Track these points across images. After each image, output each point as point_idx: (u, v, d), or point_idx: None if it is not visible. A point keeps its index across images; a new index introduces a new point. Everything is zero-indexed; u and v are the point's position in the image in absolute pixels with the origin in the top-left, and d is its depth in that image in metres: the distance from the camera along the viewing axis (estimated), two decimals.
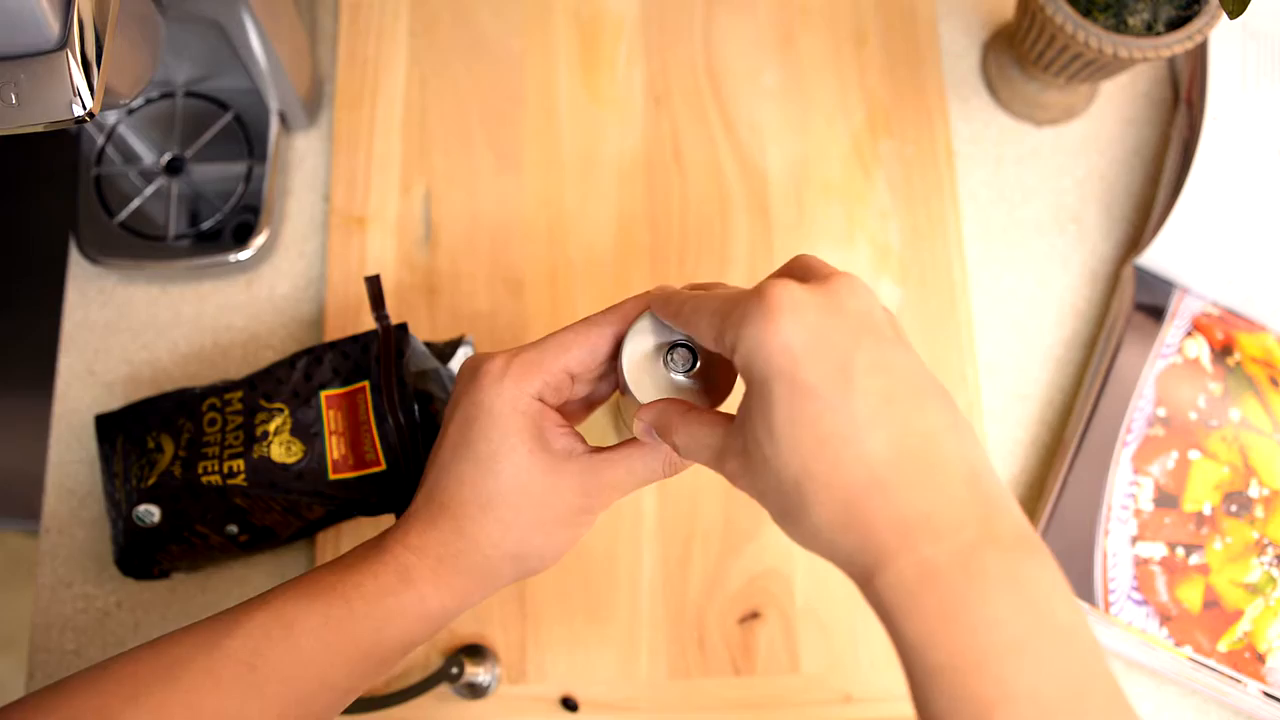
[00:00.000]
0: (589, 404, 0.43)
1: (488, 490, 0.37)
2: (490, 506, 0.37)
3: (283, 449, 0.48)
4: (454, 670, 0.50)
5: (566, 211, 0.59)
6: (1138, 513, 0.53)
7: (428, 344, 0.50)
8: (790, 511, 0.31)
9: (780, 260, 0.58)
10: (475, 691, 0.51)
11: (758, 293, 0.32)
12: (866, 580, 0.30)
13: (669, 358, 0.39)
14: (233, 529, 0.50)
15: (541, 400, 0.38)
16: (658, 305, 0.37)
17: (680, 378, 0.39)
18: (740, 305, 0.32)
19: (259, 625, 0.35)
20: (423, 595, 0.37)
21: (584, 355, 0.39)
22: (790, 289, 0.31)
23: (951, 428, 0.31)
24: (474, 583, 0.38)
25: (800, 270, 0.35)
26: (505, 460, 0.37)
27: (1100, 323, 0.59)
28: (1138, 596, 0.52)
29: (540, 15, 0.63)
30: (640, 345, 0.39)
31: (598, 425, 0.51)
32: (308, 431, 0.48)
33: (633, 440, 0.39)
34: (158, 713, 0.33)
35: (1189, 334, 0.56)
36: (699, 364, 0.39)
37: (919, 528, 0.29)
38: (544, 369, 0.38)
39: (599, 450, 0.39)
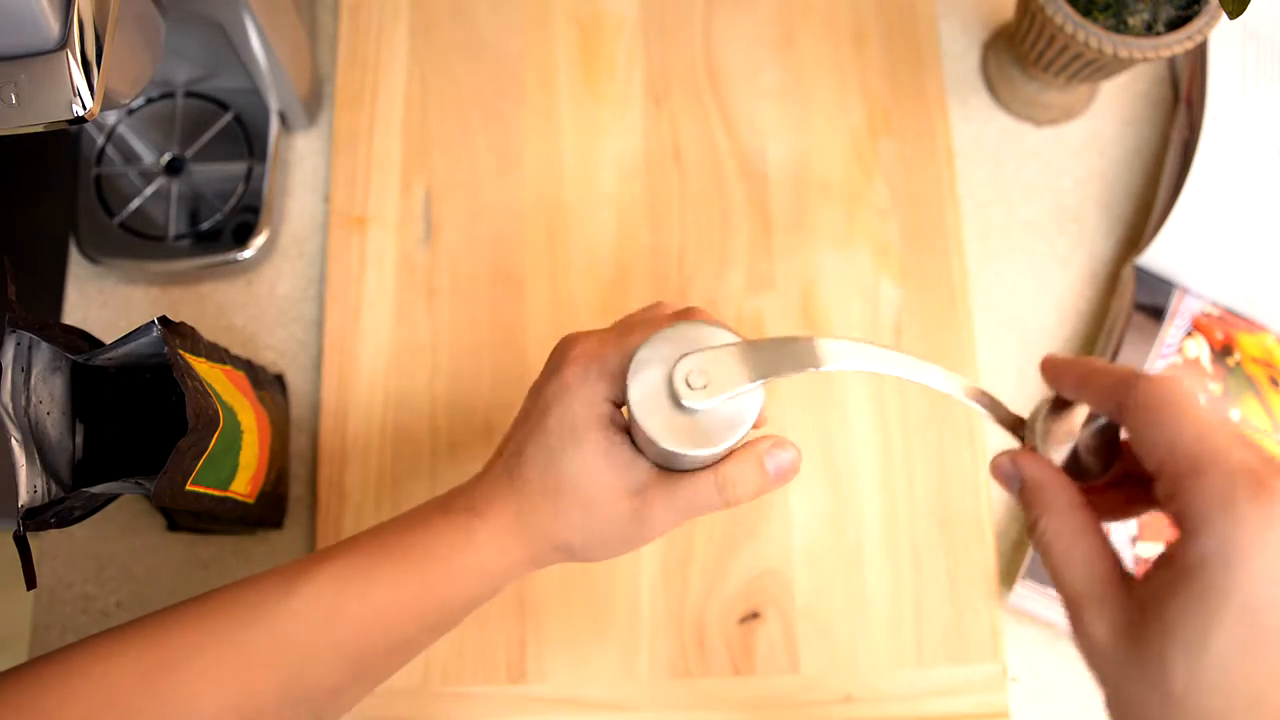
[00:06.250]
0: None
1: (551, 480, 0.38)
2: (550, 495, 0.38)
3: None
4: None
5: (566, 211, 0.59)
6: None
7: None
8: None
9: (779, 260, 0.58)
10: None
11: (1258, 476, 0.27)
12: None
13: (684, 381, 0.35)
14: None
15: (615, 404, 0.38)
16: (1049, 368, 0.35)
17: (695, 404, 0.35)
18: (1226, 473, 0.28)
19: (333, 577, 0.36)
20: (484, 559, 0.38)
21: None
22: None
23: None
24: (527, 557, 0.39)
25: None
26: (571, 454, 0.37)
27: (1100, 323, 0.59)
28: None
29: (540, 15, 0.63)
30: (650, 372, 0.36)
31: None
32: None
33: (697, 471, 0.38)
34: (241, 652, 0.34)
35: (1189, 334, 0.56)
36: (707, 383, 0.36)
37: None
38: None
39: (662, 469, 0.39)
